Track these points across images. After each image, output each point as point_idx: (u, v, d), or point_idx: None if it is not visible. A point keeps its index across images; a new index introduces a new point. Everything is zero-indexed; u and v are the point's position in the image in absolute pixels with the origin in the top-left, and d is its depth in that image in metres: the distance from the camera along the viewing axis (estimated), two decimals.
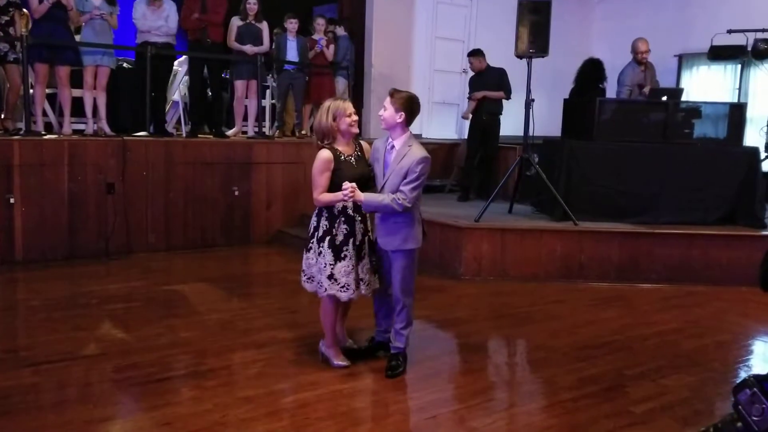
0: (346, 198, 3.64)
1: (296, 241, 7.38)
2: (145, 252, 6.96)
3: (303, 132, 8.72)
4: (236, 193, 7.54)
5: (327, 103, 3.81)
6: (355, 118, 3.83)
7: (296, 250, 7.07)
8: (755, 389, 1.57)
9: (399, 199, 3.65)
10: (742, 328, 5.22)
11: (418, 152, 3.72)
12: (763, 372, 4.29)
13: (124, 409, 3.50)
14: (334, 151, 3.76)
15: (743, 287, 6.11)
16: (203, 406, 3.43)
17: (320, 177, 3.71)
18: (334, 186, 3.72)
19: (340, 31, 9.28)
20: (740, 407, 1.60)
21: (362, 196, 3.65)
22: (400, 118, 3.73)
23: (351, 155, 3.83)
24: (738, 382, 1.60)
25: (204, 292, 5.73)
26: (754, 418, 1.56)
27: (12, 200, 6.25)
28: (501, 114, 8.30)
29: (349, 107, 3.81)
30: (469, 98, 8.32)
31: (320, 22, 8.69)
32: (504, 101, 8.21)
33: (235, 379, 3.86)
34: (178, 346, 4.31)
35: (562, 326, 5.02)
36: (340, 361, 4.00)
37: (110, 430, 3.21)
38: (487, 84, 8.14)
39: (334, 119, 3.73)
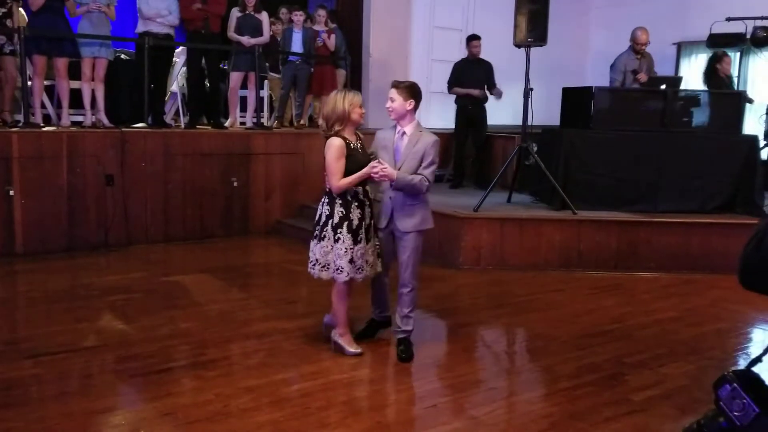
0: (376, 173, 3.76)
1: (295, 231, 7.40)
2: (145, 243, 6.96)
3: (302, 122, 8.72)
4: (235, 184, 7.54)
5: (340, 93, 3.91)
6: (363, 110, 3.97)
7: (295, 240, 7.14)
8: (735, 384, 1.57)
9: (425, 180, 3.90)
10: (741, 315, 5.23)
11: (430, 137, 3.98)
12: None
13: (125, 399, 3.52)
14: (344, 138, 3.86)
15: None
16: (205, 396, 3.45)
17: (337, 163, 3.80)
18: (346, 172, 3.82)
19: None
20: (721, 403, 1.60)
21: (394, 174, 3.82)
22: (410, 105, 3.94)
23: (356, 144, 3.94)
24: (716, 378, 1.60)
25: (203, 283, 5.74)
26: (736, 414, 1.56)
27: (11, 193, 6.24)
28: (486, 102, 8.43)
29: (361, 99, 3.94)
30: (492, 92, 8.33)
31: (321, 13, 8.69)
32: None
33: (235, 370, 3.87)
34: (179, 337, 4.32)
35: (561, 315, 5.04)
36: (353, 349, 4.03)
37: (112, 420, 3.22)
38: (486, 74, 8.23)
39: (350, 106, 3.84)
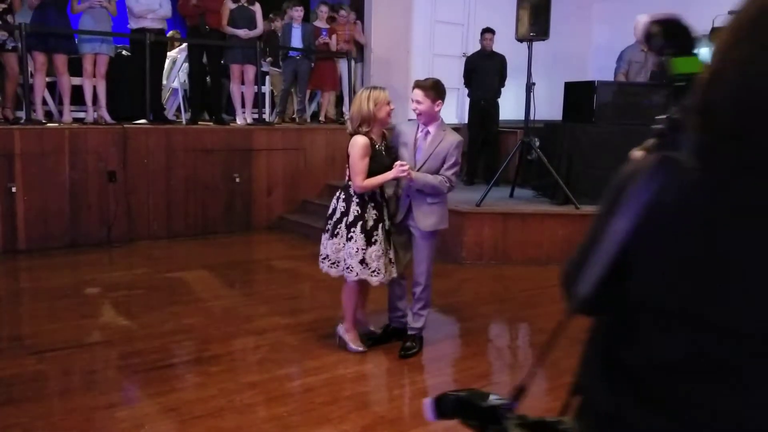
0: (403, 174, 3.67)
1: (297, 227, 7.41)
2: (147, 240, 6.96)
3: (303, 117, 8.71)
4: (237, 180, 7.53)
5: (366, 91, 3.78)
6: (392, 107, 3.83)
7: (297, 236, 7.14)
8: None
9: (447, 181, 3.81)
10: None
11: (453, 137, 3.86)
12: None
13: (129, 395, 3.52)
14: (369, 138, 3.75)
15: None
16: (208, 391, 3.45)
17: (361, 162, 3.70)
18: (369, 173, 3.72)
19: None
20: None
21: (413, 175, 3.73)
22: (438, 107, 3.80)
23: (381, 145, 3.84)
24: None
25: (206, 279, 5.74)
26: None
27: (14, 189, 6.25)
28: (499, 97, 8.34)
29: (388, 96, 3.80)
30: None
31: (323, 9, 8.69)
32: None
33: (238, 365, 3.88)
34: (182, 333, 4.32)
35: (564, 309, 5.02)
36: (357, 346, 4.01)
37: (116, 416, 3.22)
38: (501, 67, 8.26)
39: (375, 106, 3.72)
